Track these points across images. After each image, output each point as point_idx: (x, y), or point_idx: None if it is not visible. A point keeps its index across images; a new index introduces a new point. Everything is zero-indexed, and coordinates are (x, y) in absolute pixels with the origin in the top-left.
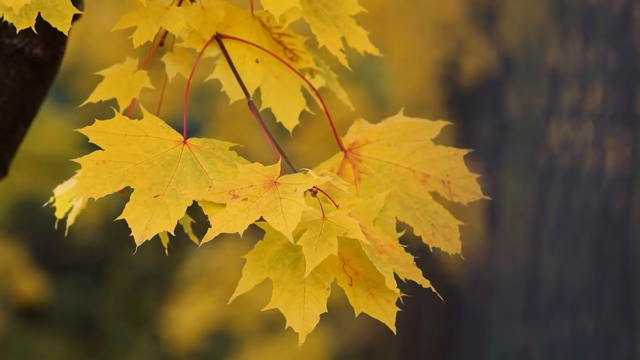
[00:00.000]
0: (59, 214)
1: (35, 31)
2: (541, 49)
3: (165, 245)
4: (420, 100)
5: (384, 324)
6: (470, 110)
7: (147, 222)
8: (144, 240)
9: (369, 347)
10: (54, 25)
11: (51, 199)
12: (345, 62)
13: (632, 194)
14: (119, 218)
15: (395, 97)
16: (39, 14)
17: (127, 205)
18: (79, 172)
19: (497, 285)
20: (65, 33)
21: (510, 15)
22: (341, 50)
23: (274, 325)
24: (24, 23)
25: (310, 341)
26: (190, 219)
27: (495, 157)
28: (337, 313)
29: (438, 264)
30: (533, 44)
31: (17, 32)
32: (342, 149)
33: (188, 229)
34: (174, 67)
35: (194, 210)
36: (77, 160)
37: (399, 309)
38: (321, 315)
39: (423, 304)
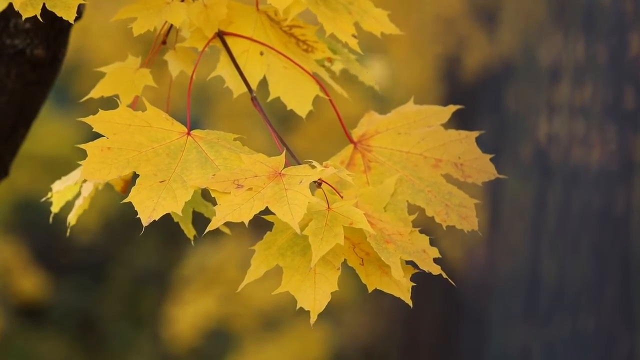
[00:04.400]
0: (55, 208)
1: (40, 19)
2: (541, 46)
3: (190, 237)
4: (420, 100)
5: (384, 323)
6: (470, 109)
7: (153, 204)
8: (151, 221)
9: (369, 347)
10: (59, 15)
11: (49, 194)
12: (357, 47)
13: (632, 194)
14: (124, 201)
15: (396, 96)
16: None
17: (133, 189)
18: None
19: (497, 285)
20: (71, 22)
21: (510, 13)
22: (353, 36)
23: (273, 323)
24: (29, 12)
25: (309, 340)
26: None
27: (496, 156)
28: (337, 312)
29: (440, 263)
30: (533, 42)
31: (21, 21)
32: (351, 141)
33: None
34: (176, 65)
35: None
36: (82, 146)
37: (414, 284)
38: (321, 314)
39: (423, 305)
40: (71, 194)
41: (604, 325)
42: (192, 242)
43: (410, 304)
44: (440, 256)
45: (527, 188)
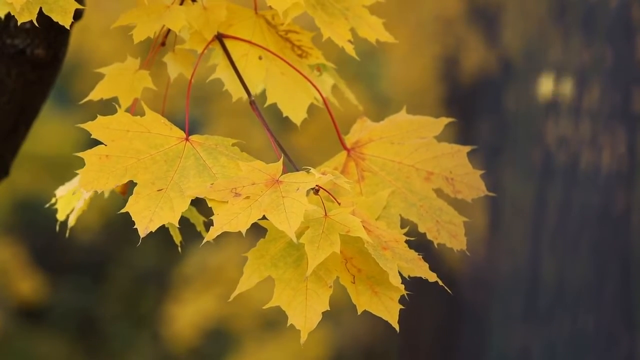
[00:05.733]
0: (61, 216)
1: (36, 24)
2: (540, 47)
3: (177, 242)
4: (419, 99)
5: (384, 323)
6: (470, 109)
7: (150, 215)
8: (148, 232)
9: (369, 347)
10: (55, 20)
11: (53, 200)
12: (353, 53)
13: (632, 193)
14: (122, 211)
15: (395, 96)
16: (41, 9)
17: (130, 199)
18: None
19: (497, 285)
20: (67, 27)
21: (510, 14)
22: (349, 41)
23: (273, 323)
24: (25, 16)
25: (309, 340)
26: (202, 218)
27: (496, 156)
28: (337, 312)
29: (439, 262)
30: (532, 43)
31: (19, 24)
32: (345, 148)
33: (201, 227)
34: (175, 67)
35: (204, 208)
36: (80, 154)
37: (402, 307)
38: (321, 314)
39: (423, 304)
40: (76, 200)
41: (604, 325)
42: (179, 249)
43: (397, 328)
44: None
45: (527, 188)
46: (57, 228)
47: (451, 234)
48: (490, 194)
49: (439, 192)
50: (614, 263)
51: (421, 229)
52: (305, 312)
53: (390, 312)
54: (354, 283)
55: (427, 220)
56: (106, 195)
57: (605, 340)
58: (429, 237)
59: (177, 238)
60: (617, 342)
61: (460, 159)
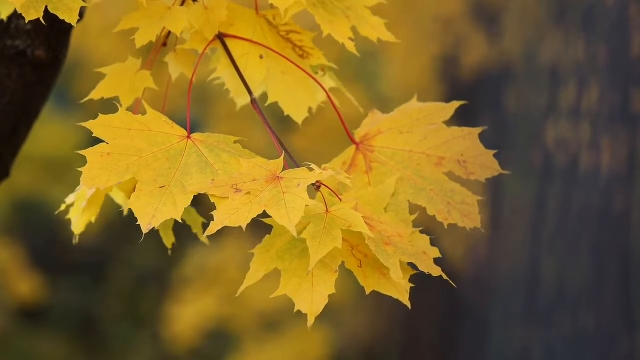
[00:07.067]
0: (76, 229)
1: (43, 22)
2: (542, 47)
3: (168, 246)
4: (419, 99)
5: (385, 323)
6: (470, 108)
7: (153, 211)
8: (151, 228)
9: (369, 347)
10: (61, 18)
11: (63, 207)
12: (353, 49)
13: (632, 194)
14: (124, 208)
15: (395, 96)
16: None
17: (133, 196)
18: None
19: (497, 285)
20: (73, 25)
21: (511, 14)
22: (350, 39)
23: (274, 324)
24: (31, 14)
25: (309, 340)
26: (201, 219)
27: (495, 157)
28: (337, 313)
29: (440, 262)
30: (534, 43)
31: (26, 21)
32: (353, 142)
33: (198, 229)
34: (177, 68)
35: (204, 209)
36: (82, 152)
37: (412, 285)
38: (321, 315)
39: (423, 304)
40: (82, 201)
41: (604, 325)
42: (169, 252)
43: (409, 305)
44: (440, 256)
45: (527, 188)
46: (75, 241)
47: (463, 213)
48: (505, 171)
49: (450, 176)
50: (614, 263)
51: (430, 212)
52: (312, 296)
53: (399, 290)
54: (360, 267)
55: (437, 202)
56: (124, 210)
57: (605, 340)
58: (439, 218)
59: (170, 240)
60: (617, 342)
61: (472, 140)
